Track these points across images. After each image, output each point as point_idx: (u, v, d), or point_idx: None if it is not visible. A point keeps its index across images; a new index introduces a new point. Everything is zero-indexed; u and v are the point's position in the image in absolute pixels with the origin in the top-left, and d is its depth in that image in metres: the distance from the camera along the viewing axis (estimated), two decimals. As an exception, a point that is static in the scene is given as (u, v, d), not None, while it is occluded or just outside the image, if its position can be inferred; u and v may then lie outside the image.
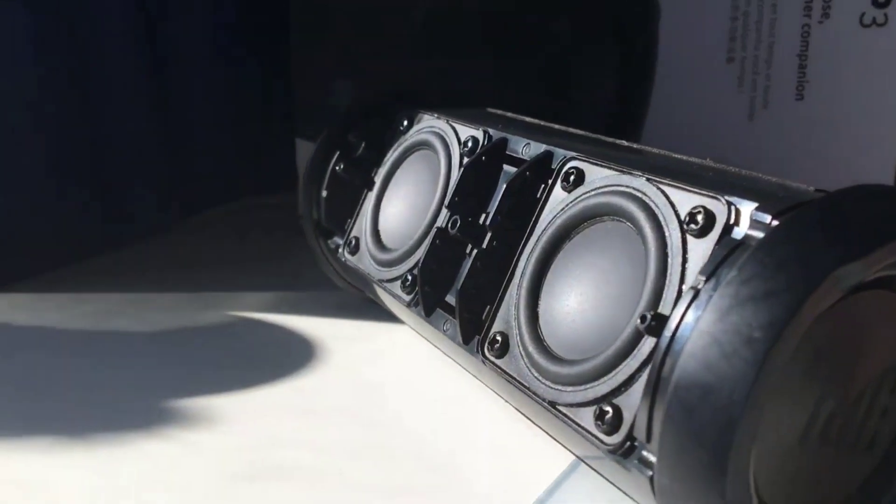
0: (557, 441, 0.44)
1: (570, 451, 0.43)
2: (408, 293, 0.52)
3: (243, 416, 0.51)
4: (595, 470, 0.42)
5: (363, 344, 0.60)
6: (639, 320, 0.35)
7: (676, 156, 0.43)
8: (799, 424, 0.34)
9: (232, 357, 0.59)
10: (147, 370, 0.57)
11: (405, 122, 0.58)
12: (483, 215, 0.47)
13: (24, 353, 0.60)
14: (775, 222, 0.33)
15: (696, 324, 0.31)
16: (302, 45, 0.81)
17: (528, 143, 0.48)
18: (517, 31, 0.73)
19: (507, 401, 0.47)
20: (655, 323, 0.34)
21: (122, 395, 0.53)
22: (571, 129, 0.50)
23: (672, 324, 0.33)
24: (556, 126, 0.51)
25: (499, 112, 0.57)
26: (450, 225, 0.47)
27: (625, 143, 0.47)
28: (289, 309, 0.65)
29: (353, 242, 0.58)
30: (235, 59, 0.80)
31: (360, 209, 0.59)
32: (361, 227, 0.58)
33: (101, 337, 0.62)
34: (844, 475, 0.36)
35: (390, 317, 0.60)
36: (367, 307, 0.63)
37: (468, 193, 0.49)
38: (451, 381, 0.54)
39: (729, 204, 0.36)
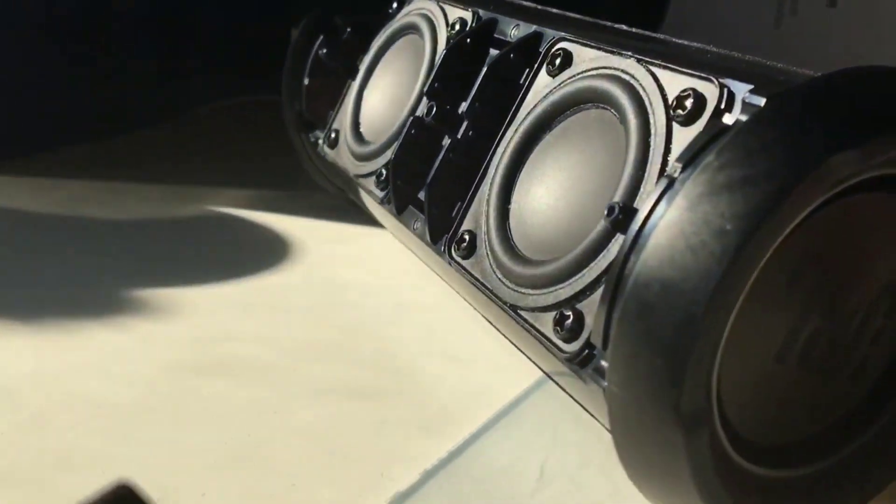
0: (523, 352, 0.40)
1: (535, 364, 0.40)
2: (381, 189, 0.48)
3: (201, 310, 0.49)
4: (559, 386, 0.38)
5: (340, 246, 0.57)
6: (605, 213, 0.31)
7: (678, 41, 0.38)
8: (776, 340, 0.29)
9: (202, 251, 0.56)
10: (111, 259, 0.54)
11: (395, 4, 0.53)
12: (463, 103, 0.43)
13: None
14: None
15: (665, 215, 0.27)
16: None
17: (518, 25, 0.43)
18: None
19: (473, 306, 0.44)
20: (623, 216, 0.30)
21: (80, 282, 0.51)
22: (571, 14, 0.45)
23: (641, 216, 0.29)
24: (555, 10, 0.46)
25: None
26: (425, 112, 0.43)
27: (627, 27, 0.42)
28: (269, 207, 0.62)
29: (334, 135, 0.54)
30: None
31: (342, 99, 0.55)
32: (342, 119, 0.54)
33: (72, 222, 0.59)
34: (825, 404, 0.32)
35: (373, 221, 0.56)
36: (351, 210, 0.59)
37: (450, 79, 0.44)
38: (427, 288, 0.51)
39: (721, 86, 0.31)
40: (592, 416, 0.35)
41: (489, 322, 0.43)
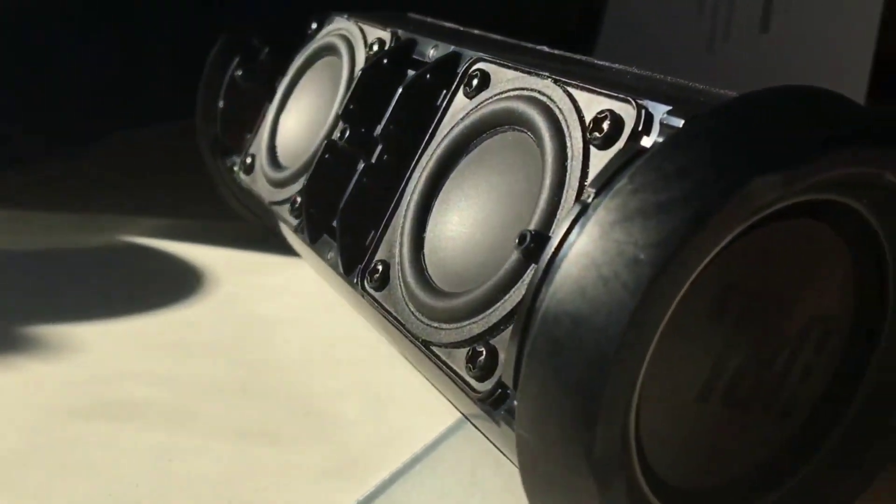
0: (442, 393, 0.38)
1: (456, 408, 0.37)
2: (296, 217, 0.45)
3: (99, 349, 0.45)
4: (476, 427, 0.36)
5: (255, 278, 0.54)
6: (517, 241, 0.28)
7: (599, 62, 0.37)
8: (699, 378, 0.27)
9: (107, 284, 0.52)
10: (6, 292, 0.50)
11: (314, 24, 0.51)
12: (379, 126, 0.41)
13: None
14: (688, 127, 0.27)
15: (576, 243, 0.25)
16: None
17: (437, 45, 0.41)
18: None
19: (390, 342, 0.41)
20: (534, 245, 0.28)
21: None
22: (492, 35, 0.43)
23: (553, 245, 0.27)
24: (477, 32, 0.44)
25: (420, 17, 0.49)
26: (339, 136, 0.41)
27: (549, 49, 0.40)
28: (183, 237, 0.58)
29: (250, 161, 0.52)
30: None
31: (259, 123, 0.52)
32: (259, 143, 0.51)
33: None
34: (753, 445, 0.30)
35: (292, 251, 0.53)
36: (269, 239, 0.56)
37: (366, 101, 0.42)
38: (345, 322, 0.48)
39: (640, 107, 0.29)
40: (510, 460, 0.32)
41: (406, 359, 0.40)
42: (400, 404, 0.41)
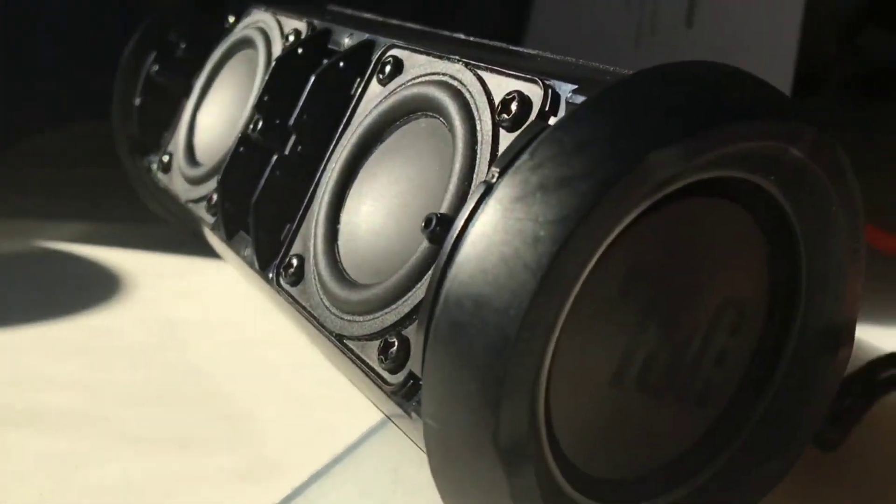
0: (359, 389, 0.37)
1: (374, 404, 0.36)
2: (212, 214, 0.44)
3: (11, 353, 0.43)
4: (394, 423, 0.35)
5: (175, 281, 0.52)
6: (423, 225, 0.28)
7: (513, 48, 0.36)
8: (610, 361, 0.27)
9: (19, 289, 0.50)
10: None
11: (232, 18, 0.50)
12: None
13: None
14: (592, 104, 0.26)
15: (477, 223, 0.24)
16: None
17: (352, 34, 0.40)
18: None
19: (307, 339, 0.40)
20: (440, 228, 0.27)
21: None
22: (410, 25, 0.42)
23: (457, 227, 0.26)
24: (394, 21, 0.43)
25: (339, 8, 0.48)
26: (252, 128, 0.39)
27: (464, 37, 0.40)
28: (101, 241, 0.56)
29: (167, 159, 0.50)
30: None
31: (177, 120, 0.51)
32: (176, 141, 0.50)
33: None
34: (671, 432, 0.30)
35: (213, 252, 0.52)
36: (190, 241, 0.55)
37: (281, 92, 0.41)
38: (266, 324, 0.47)
39: (546, 87, 0.28)
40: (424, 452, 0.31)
41: (324, 356, 0.39)
42: (321, 405, 0.40)
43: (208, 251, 0.52)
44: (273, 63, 0.41)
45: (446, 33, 0.40)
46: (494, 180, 0.26)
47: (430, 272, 0.29)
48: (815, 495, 0.34)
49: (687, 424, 0.30)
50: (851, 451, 0.37)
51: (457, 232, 0.26)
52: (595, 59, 0.51)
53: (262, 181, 0.38)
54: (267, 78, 0.41)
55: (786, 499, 0.32)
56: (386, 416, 0.35)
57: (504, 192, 0.24)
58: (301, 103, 0.38)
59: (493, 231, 0.23)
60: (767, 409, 0.31)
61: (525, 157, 0.24)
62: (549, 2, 0.60)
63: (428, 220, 0.27)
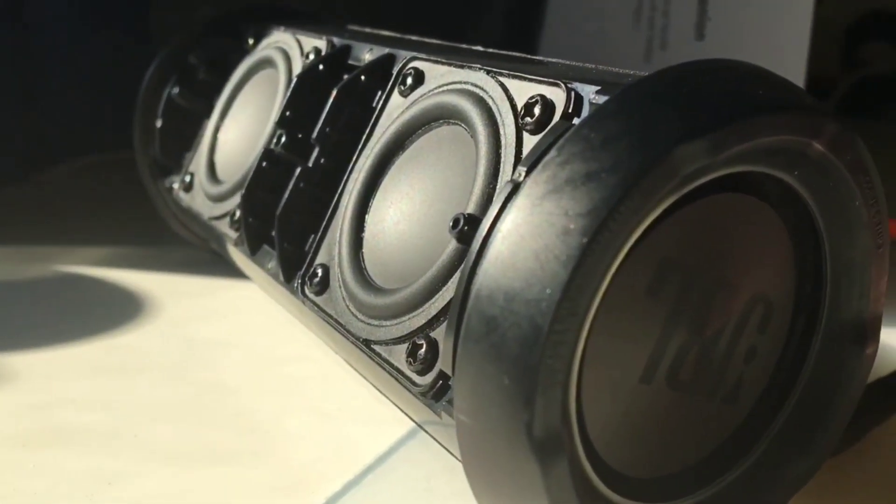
0: (387, 396, 0.37)
1: (402, 411, 0.36)
2: (236, 229, 0.44)
3: (39, 375, 0.43)
4: (422, 429, 0.35)
5: (201, 301, 0.52)
6: (450, 225, 0.28)
7: (531, 56, 0.37)
8: (640, 357, 0.27)
9: (47, 313, 0.51)
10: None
11: (251, 40, 0.51)
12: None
13: None
14: (615, 103, 0.27)
15: (506, 219, 0.25)
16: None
17: (372, 49, 0.41)
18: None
19: (333, 349, 0.40)
20: (468, 227, 0.28)
21: None
22: (429, 40, 0.43)
23: (485, 225, 0.26)
24: (414, 37, 0.44)
25: (357, 27, 0.49)
26: (275, 143, 0.40)
27: (483, 48, 0.40)
28: (125, 264, 0.57)
29: (189, 179, 0.51)
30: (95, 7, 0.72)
31: (198, 141, 0.51)
32: (198, 160, 0.51)
33: None
34: (701, 429, 0.30)
35: (238, 271, 0.52)
36: (215, 262, 0.55)
37: (302, 108, 0.41)
38: (295, 339, 0.47)
39: (569, 90, 0.29)
40: (455, 456, 0.31)
41: (350, 365, 0.39)
42: (350, 418, 0.40)
43: (231, 270, 0.53)
44: (294, 80, 0.42)
45: (464, 46, 0.41)
46: (522, 178, 0.26)
47: (457, 273, 0.30)
48: (832, 493, 0.34)
49: (716, 422, 0.30)
50: (870, 451, 0.37)
51: (486, 230, 0.26)
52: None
53: (287, 193, 0.39)
54: (289, 94, 0.42)
55: (804, 498, 0.32)
56: (415, 423, 0.36)
57: (532, 188, 0.24)
58: (323, 117, 0.39)
59: (523, 226, 0.24)
60: (796, 407, 0.31)
61: (552, 154, 0.24)
62: (558, 18, 0.61)
63: (456, 221, 0.28)
